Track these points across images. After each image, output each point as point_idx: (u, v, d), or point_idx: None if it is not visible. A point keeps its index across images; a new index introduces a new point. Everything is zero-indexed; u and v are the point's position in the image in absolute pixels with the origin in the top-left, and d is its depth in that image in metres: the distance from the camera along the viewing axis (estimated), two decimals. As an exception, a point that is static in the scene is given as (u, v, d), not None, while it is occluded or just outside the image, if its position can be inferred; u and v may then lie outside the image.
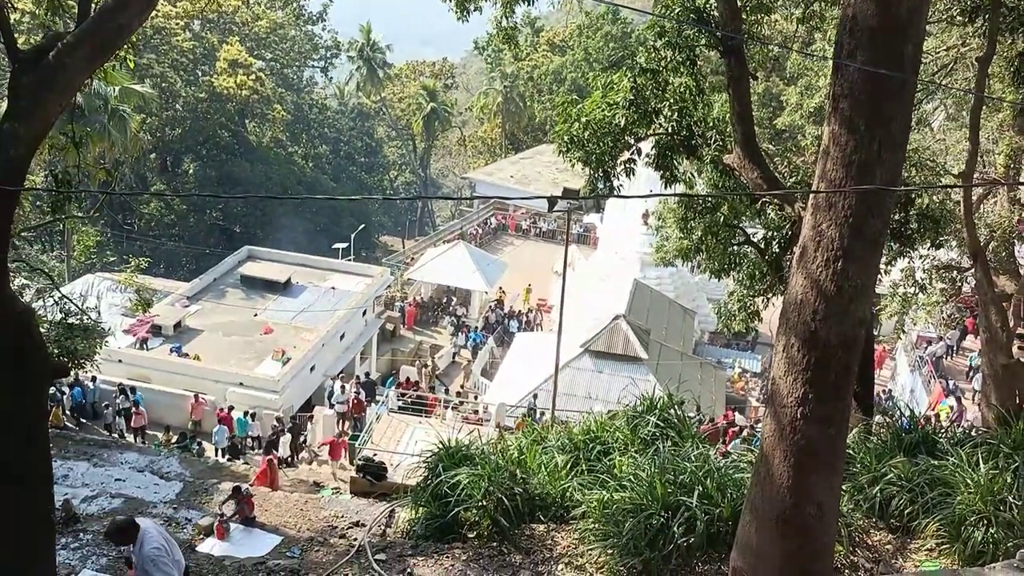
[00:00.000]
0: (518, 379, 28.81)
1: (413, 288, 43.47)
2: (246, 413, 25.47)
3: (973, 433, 13.75)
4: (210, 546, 12.12)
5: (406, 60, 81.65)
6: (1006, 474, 11.10)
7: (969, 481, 11.07)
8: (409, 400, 28.83)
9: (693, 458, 11.37)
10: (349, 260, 41.25)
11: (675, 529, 10.03)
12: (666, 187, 16.33)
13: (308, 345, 29.50)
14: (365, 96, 76.84)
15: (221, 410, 25.37)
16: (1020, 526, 10.67)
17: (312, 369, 29.56)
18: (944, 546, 10.88)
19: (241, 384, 27.05)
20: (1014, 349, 24.69)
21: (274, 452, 22.98)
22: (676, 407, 14.27)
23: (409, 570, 10.87)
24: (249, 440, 25.53)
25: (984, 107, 20.95)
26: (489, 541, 11.28)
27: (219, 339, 30.19)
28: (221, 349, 29.55)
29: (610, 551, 10.32)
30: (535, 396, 25.44)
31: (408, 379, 32.92)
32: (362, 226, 52.60)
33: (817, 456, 6.35)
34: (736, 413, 28.51)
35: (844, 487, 11.47)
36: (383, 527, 12.68)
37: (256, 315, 32.08)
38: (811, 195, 6.06)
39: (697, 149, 15.89)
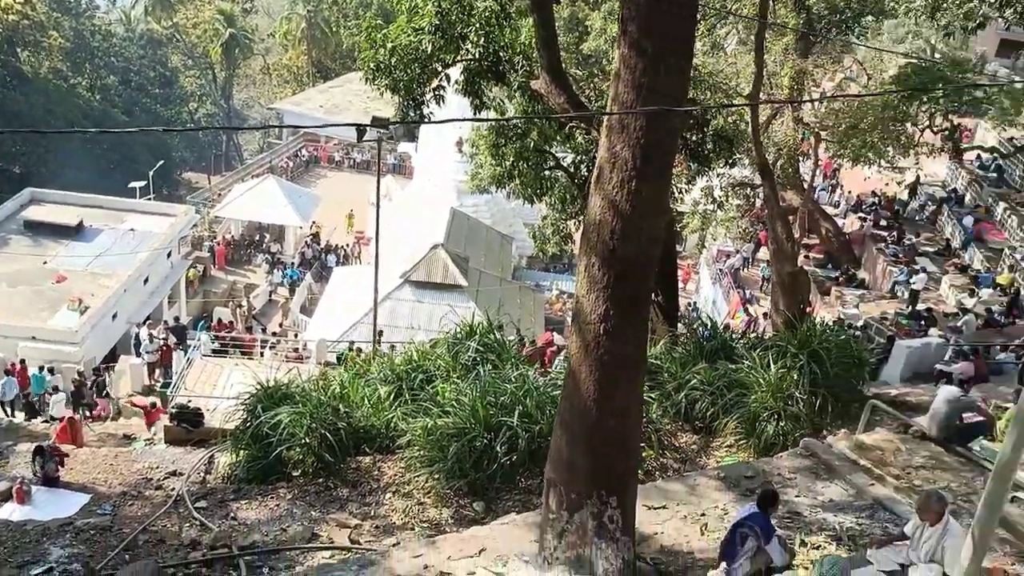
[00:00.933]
0: (338, 314, 28.37)
1: (222, 226, 41.54)
2: (42, 368, 23.67)
3: (765, 337, 14.90)
4: (9, 511, 11.28)
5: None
6: (793, 372, 12.20)
7: (762, 381, 12.08)
8: (223, 343, 27.78)
9: (513, 379, 11.72)
10: (149, 199, 38.70)
11: (498, 449, 10.34)
12: (476, 114, 16.32)
13: (108, 292, 27.60)
14: (155, 22, 71.21)
15: (13, 365, 23.41)
16: (805, 418, 11.81)
17: (115, 317, 27.75)
18: (741, 441, 11.87)
19: (34, 338, 25.03)
20: (800, 258, 26.91)
21: (82, 407, 21.62)
22: (496, 331, 14.61)
23: (232, 514, 10.63)
24: (48, 396, 23.78)
25: (769, 31, 22.22)
26: (315, 477, 11.22)
27: (3, 291, 27.70)
28: (7, 301, 27.13)
29: (436, 476, 10.53)
30: (380, 333, 24.99)
31: (220, 320, 31.64)
32: (161, 162, 49.29)
33: (620, 369, 6.68)
34: (555, 333, 29.50)
35: (653, 395, 12.23)
36: (203, 474, 12.29)
37: (45, 263, 29.53)
38: (605, 118, 6.20)
39: (505, 75, 15.90)
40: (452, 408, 10.98)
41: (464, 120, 8.42)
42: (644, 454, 11.07)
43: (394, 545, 8.97)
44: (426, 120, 16.56)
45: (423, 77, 15.60)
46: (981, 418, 10.45)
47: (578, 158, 18.02)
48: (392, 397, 12.78)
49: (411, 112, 16.21)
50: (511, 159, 17.86)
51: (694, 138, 17.61)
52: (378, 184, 21.20)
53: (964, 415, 10.25)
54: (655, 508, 8.83)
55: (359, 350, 22.41)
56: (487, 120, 18.08)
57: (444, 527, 9.87)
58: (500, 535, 8.40)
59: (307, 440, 11.24)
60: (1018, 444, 4.85)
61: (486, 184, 20.39)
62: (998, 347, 18.98)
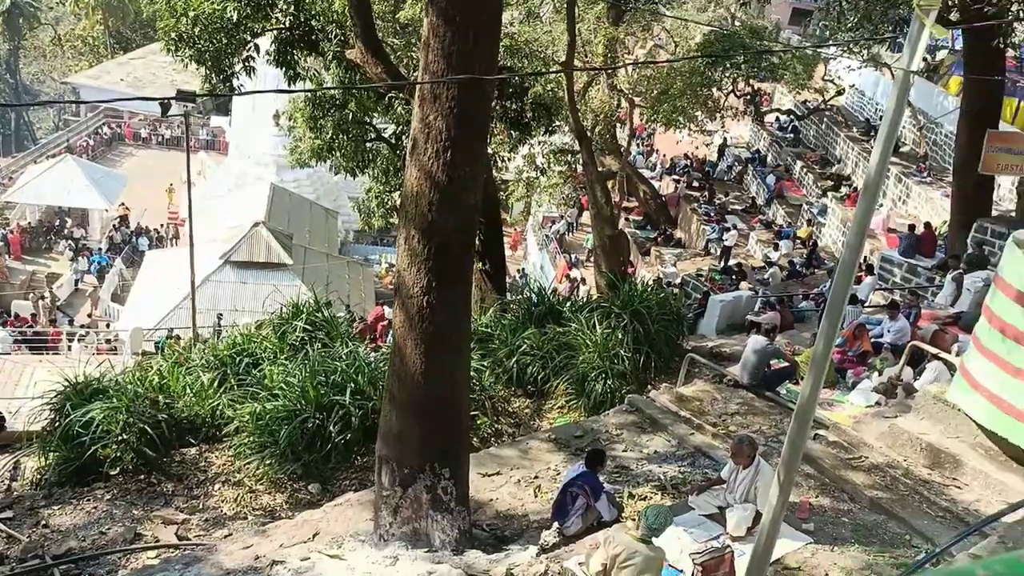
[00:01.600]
0: (154, 300, 26.84)
1: (16, 212, 38.23)
2: None
3: (589, 299, 15.34)
4: None
5: (-29, -56, 68.88)
6: (618, 332, 12.63)
7: (589, 342, 12.44)
8: (23, 338, 25.66)
9: (343, 357, 11.49)
10: (-74, 185, 35.08)
11: (331, 429, 10.12)
12: (290, 85, 15.76)
13: None
14: (-78, -12, 64.08)
15: None
16: (631, 375, 12.28)
17: None
18: (572, 402, 12.19)
19: None
20: (620, 221, 27.93)
21: None
22: (323, 309, 14.26)
23: (44, 522, 9.87)
24: None
25: (581, 0, 22.70)
26: (136, 474, 10.58)
27: None
28: None
29: (268, 461, 10.19)
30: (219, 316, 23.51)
31: (18, 315, 29.19)
32: (-61, 144, 44.78)
33: (445, 340, 6.66)
34: (386, 307, 29.22)
35: (484, 363, 12.33)
36: (7, 482, 11.34)
37: None
38: (418, 88, 6.11)
39: (318, 44, 15.42)
40: (281, 391, 10.64)
41: (274, 92, 8.04)
42: (478, 422, 11.16)
43: (224, 537, 8.62)
44: (236, 92, 15.83)
45: (230, 47, 14.89)
46: (786, 364, 11.23)
47: (399, 129, 17.80)
48: (216, 384, 12.24)
49: (220, 84, 15.46)
50: (330, 131, 17.43)
51: (513, 107, 17.78)
52: (188, 161, 20.10)
53: (771, 362, 10.97)
54: (489, 475, 8.93)
55: (178, 337, 21.33)
56: (299, 91, 17.49)
57: (279, 513, 9.58)
58: (335, 517, 8.24)
59: (124, 436, 10.56)
60: (815, 385, 5.21)
61: (306, 158, 19.82)
62: (800, 296, 20.47)
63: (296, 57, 15.51)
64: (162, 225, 39.49)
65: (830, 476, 8.07)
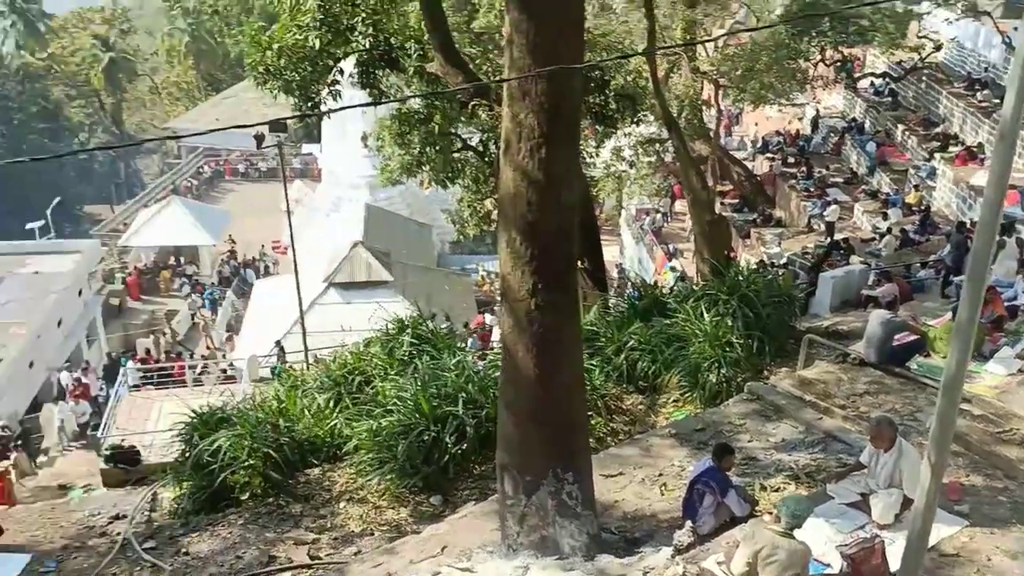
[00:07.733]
0: (266, 328, 27.66)
1: (132, 255, 40.11)
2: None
3: (694, 288, 14.93)
4: (-59, 590, 10.62)
5: (69, 9, 72.86)
6: (727, 319, 12.24)
7: (698, 332, 12.10)
8: (148, 374, 26.81)
9: (452, 368, 11.50)
10: (50, 239, 37.06)
11: (447, 440, 10.13)
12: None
13: (21, 340, 26.34)
14: (29, 54, 68.08)
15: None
16: (745, 362, 11.87)
17: (32, 365, 26.53)
18: (687, 395, 11.87)
19: (-53, 399, 23.78)
20: (717, 206, 27.23)
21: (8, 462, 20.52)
22: (428, 321, 14.37)
23: (184, 550, 10.20)
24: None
25: (656, -15, 22.23)
26: (265, 498, 10.84)
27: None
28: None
29: (388, 476, 10.27)
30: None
31: (148, 351, 30.56)
32: (58, 199, 47.24)
33: (556, 342, 6.51)
34: (486, 315, 29.32)
35: (593, 361, 12.14)
36: (147, 513, 11.78)
37: (-51, 319, 28.08)
38: (505, 88, 5.99)
39: (398, 61, 15.58)
40: (395, 406, 10.72)
41: (359, 106, 8.10)
42: (593, 422, 10.98)
43: (354, 555, 8.70)
44: (322, 112, 16.16)
45: (315, 74, 15.19)
46: (914, 336, 10.63)
47: (485, 136, 17.85)
48: (332, 404, 12.46)
49: (309, 110, 15.82)
50: (418, 146, 17.59)
51: (597, 100, 17.58)
52: (285, 190, 20.63)
53: (896, 336, 10.41)
54: (612, 476, 8.73)
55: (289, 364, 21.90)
56: (383, 102, 17.73)
57: (404, 527, 9.63)
58: (460, 529, 8.21)
59: (250, 461, 10.84)
60: (961, 359, 4.84)
61: (397, 175, 20.05)
62: (917, 264, 19.48)
63: (378, 76, 15.71)
64: (264, 254, 40.75)
65: (979, 452, 7.55)
